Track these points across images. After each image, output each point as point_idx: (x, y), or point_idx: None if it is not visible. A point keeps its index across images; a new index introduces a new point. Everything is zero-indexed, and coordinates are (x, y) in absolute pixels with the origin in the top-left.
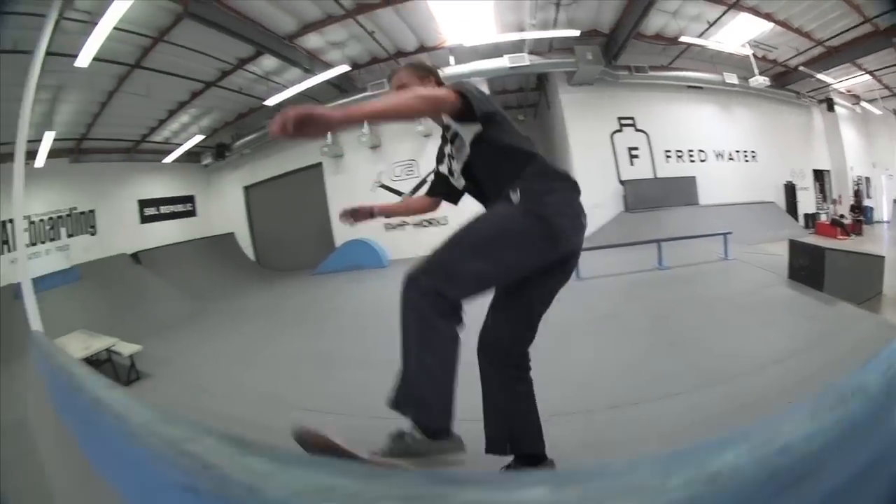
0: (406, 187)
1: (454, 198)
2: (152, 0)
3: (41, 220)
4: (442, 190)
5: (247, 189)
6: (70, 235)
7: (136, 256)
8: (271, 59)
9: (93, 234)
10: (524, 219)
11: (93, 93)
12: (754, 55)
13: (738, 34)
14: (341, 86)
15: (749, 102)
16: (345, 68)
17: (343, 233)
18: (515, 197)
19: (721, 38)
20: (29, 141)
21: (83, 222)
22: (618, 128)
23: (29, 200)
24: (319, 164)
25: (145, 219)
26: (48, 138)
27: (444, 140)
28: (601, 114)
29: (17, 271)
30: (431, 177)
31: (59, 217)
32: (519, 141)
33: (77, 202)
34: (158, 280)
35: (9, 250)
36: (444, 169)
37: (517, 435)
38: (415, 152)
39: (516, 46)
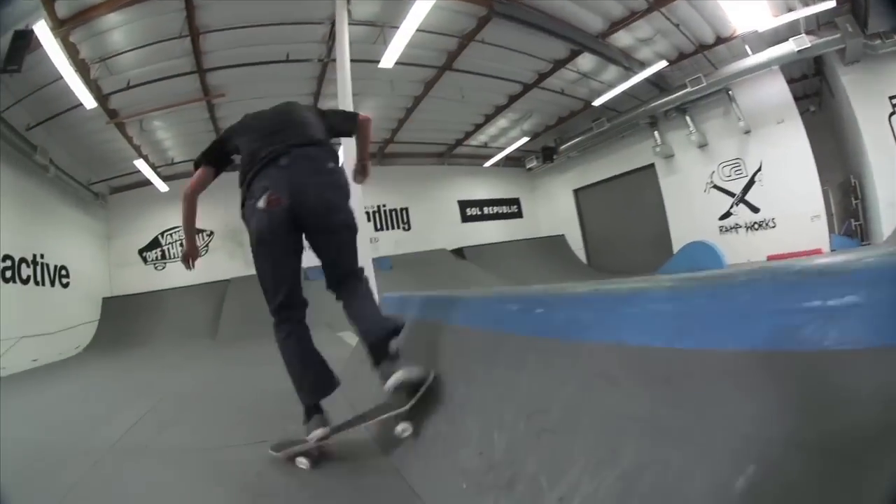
0: (736, 187)
1: None
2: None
3: None
4: None
5: (576, 192)
6: (378, 229)
7: (459, 252)
8: (588, 58)
9: (406, 230)
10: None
11: (395, 98)
12: None
13: None
14: (660, 84)
15: None
16: (663, 64)
17: (681, 235)
18: None
19: None
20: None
21: (395, 218)
22: (891, 109)
23: None
24: (652, 165)
25: (467, 218)
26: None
27: None
28: (876, 94)
29: None
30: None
31: (365, 212)
32: (241, 159)
33: (385, 201)
34: (481, 271)
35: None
36: None
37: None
38: (739, 150)
39: (793, 29)
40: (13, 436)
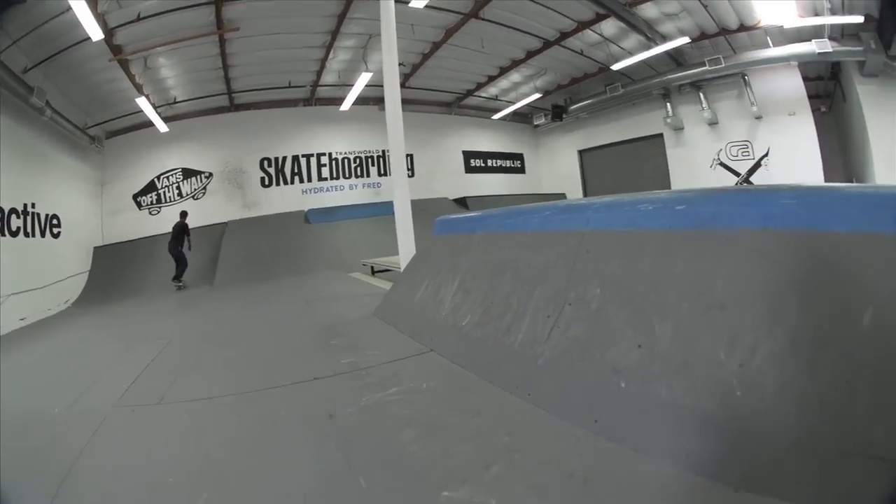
0: (742, 168)
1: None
2: None
3: (345, 158)
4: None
5: (581, 153)
6: (381, 175)
7: (462, 201)
8: (612, 24)
9: (410, 177)
10: None
11: (414, 43)
12: None
13: None
14: (678, 59)
15: None
16: (685, 40)
17: None
18: None
19: None
20: (330, 85)
21: None
22: None
23: (334, 139)
24: (661, 135)
25: (470, 169)
26: (363, 80)
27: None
28: (890, 108)
29: None
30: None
31: (369, 157)
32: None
33: (382, 144)
34: None
35: (301, 181)
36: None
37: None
38: (749, 134)
39: (817, 32)
40: (8, 405)
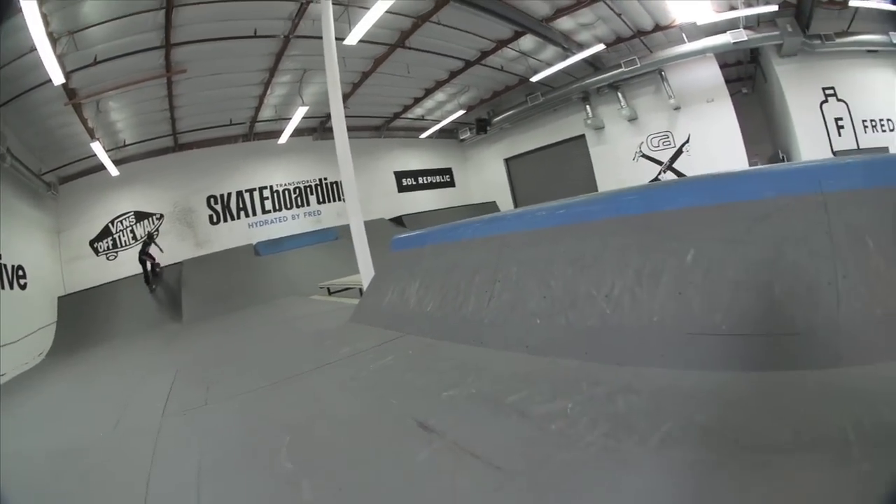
0: (664, 156)
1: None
2: None
3: (285, 190)
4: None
5: (507, 161)
6: (321, 202)
7: (398, 220)
8: (529, 39)
9: (343, 202)
10: None
11: (345, 74)
12: None
13: None
14: (595, 64)
15: None
16: (601, 47)
17: None
18: None
19: None
20: (268, 120)
21: (336, 190)
22: (823, 98)
23: (274, 172)
24: (583, 136)
25: (403, 188)
26: (300, 113)
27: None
28: (809, 84)
29: None
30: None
31: (307, 186)
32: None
33: (326, 174)
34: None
35: (246, 216)
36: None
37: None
38: (669, 124)
39: (732, 24)
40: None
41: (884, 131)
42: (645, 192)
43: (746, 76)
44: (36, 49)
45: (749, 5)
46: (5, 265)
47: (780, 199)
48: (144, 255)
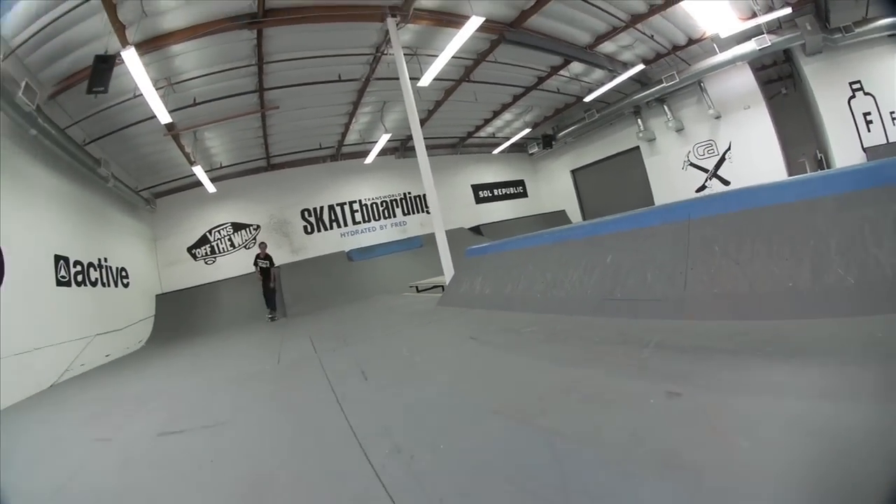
0: (709, 164)
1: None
2: (477, 34)
3: (373, 203)
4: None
5: (573, 172)
6: (406, 214)
7: (476, 229)
8: (578, 64)
9: (429, 213)
10: None
11: (420, 103)
12: None
13: None
14: (641, 80)
15: None
16: (640, 67)
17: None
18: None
19: None
20: (353, 144)
21: (419, 203)
22: (851, 94)
23: (361, 187)
24: (637, 148)
25: (480, 200)
26: (384, 139)
27: (262, 262)
28: (836, 81)
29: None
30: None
31: (393, 200)
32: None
33: (409, 188)
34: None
35: (338, 226)
36: (261, 264)
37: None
38: (711, 133)
39: (757, 30)
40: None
41: None
42: (588, 226)
43: (786, 75)
44: (140, 94)
45: (770, 9)
46: (111, 267)
47: (663, 226)
48: (264, 276)
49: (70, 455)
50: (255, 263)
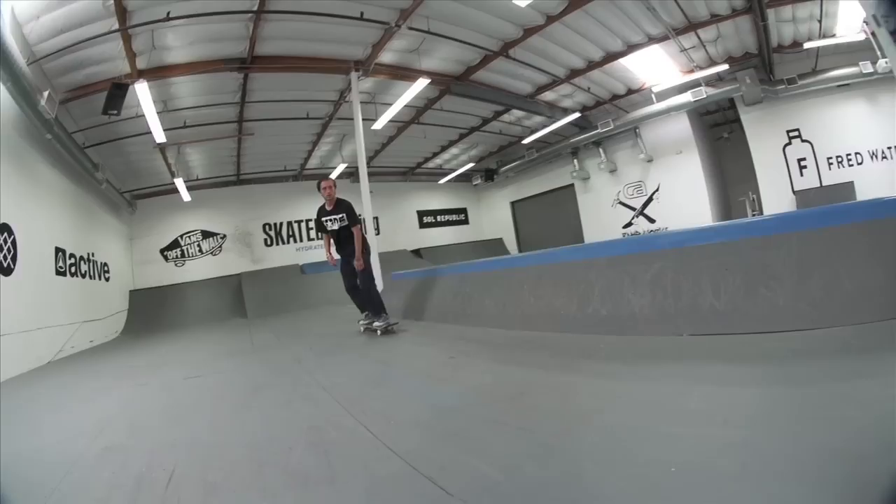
0: (638, 203)
1: (329, 233)
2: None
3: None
4: (325, 230)
5: (512, 204)
6: None
7: (417, 252)
8: (518, 111)
9: (377, 234)
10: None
11: (375, 139)
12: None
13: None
14: (579, 124)
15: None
16: (576, 115)
17: (592, 238)
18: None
19: (839, 31)
20: (314, 168)
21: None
22: (787, 140)
23: (316, 207)
24: (572, 185)
25: (423, 224)
26: (340, 167)
27: (331, 219)
28: (773, 129)
29: None
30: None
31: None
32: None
33: (360, 211)
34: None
35: (294, 241)
36: (329, 225)
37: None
38: (642, 175)
39: (696, 82)
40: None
41: (850, 166)
42: (542, 254)
43: (732, 119)
44: (142, 114)
45: (712, 63)
46: (97, 262)
47: (597, 259)
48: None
49: (123, 393)
50: (320, 222)
